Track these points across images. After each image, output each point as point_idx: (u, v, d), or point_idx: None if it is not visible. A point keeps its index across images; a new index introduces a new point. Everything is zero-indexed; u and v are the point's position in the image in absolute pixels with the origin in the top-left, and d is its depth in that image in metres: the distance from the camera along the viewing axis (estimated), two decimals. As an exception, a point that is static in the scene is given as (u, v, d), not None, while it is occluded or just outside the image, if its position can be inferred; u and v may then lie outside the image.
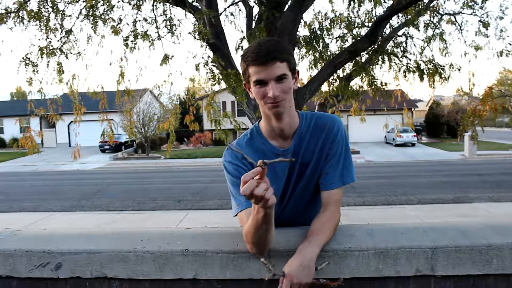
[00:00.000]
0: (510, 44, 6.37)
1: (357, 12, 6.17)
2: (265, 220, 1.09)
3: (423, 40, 6.26)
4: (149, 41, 4.30)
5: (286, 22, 4.47)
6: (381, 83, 6.26)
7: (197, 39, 4.33)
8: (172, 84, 5.01)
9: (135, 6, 4.54)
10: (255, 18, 4.73)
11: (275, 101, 1.23)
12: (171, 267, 1.31)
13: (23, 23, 4.62)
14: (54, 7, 4.55)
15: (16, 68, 4.71)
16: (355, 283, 1.31)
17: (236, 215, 1.33)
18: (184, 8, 4.31)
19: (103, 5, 4.52)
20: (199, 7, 4.47)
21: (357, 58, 5.46)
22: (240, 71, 1.31)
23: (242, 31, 5.60)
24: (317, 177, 1.39)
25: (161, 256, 1.33)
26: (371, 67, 5.93)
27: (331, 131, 1.36)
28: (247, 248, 1.25)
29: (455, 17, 6.29)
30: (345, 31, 6.24)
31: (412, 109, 29.74)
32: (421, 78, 6.04)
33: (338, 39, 6.24)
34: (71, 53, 5.02)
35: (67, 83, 5.04)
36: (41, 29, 4.70)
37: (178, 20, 4.47)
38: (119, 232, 1.46)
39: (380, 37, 5.25)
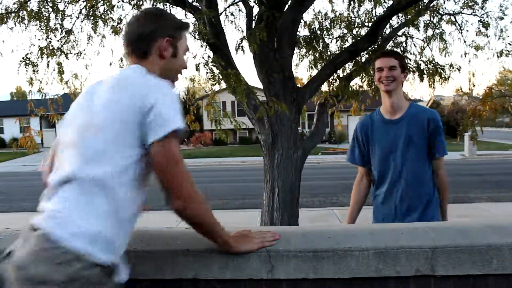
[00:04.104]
0: (510, 44, 6.33)
1: (357, 12, 6.15)
2: None
3: (423, 40, 6.25)
4: (149, 41, 4.29)
5: (286, 22, 4.47)
6: (381, 83, 6.25)
7: (197, 39, 4.32)
8: (172, 84, 4.99)
9: (135, 6, 4.53)
10: (255, 18, 4.72)
11: (387, 79, 2.01)
12: (171, 267, 1.31)
13: (24, 23, 4.62)
14: (54, 7, 4.54)
15: (16, 68, 4.69)
16: (355, 283, 1.31)
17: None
18: (184, 8, 4.30)
19: (103, 5, 4.51)
20: (199, 7, 4.46)
21: (357, 58, 5.45)
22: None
23: (242, 31, 5.59)
24: (424, 146, 2.05)
25: (161, 256, 1.33)
26: (371, 67, 5.91)
27: (434, 116, 2.06)
28: None
29: (455, 17, 6.27)
30: (345, 31, 6.22)
31: (412, 109, 29.67)
32: (421, 78, 6.02)
33: (338, 39, 6.22)
34: (72, 53, 5.01)
35: (67, 83, 5.03)
36: (41, 29, 4.69)
37: (178, 20, 4.46)
38: (119, 232, 1.45)
39: (380, 37, 5.24)
